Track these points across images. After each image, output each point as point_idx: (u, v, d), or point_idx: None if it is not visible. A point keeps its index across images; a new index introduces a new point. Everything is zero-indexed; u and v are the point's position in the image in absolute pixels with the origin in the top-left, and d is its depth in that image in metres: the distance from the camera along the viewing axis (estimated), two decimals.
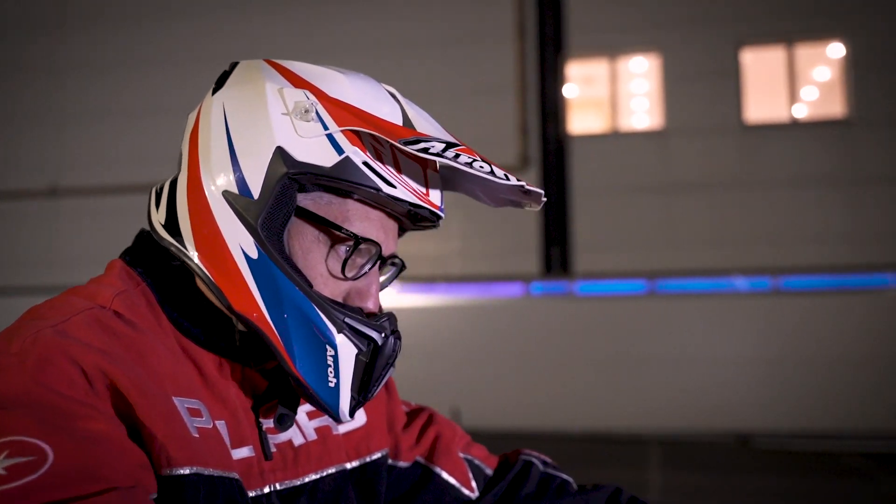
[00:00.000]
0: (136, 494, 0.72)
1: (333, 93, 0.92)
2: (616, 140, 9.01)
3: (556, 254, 8.87)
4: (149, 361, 0.85)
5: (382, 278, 1.02)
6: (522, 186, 0.91)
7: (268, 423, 0.97)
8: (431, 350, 8.81)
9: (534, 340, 8.72)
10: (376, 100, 0.94)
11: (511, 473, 1.18)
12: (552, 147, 8.91)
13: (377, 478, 1.10)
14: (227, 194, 0.89)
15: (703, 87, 8.73)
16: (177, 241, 0.91)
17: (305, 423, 1.02)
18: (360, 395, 0.93)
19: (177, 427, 0.83)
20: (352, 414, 0.93)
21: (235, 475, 0.87)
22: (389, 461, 1.16)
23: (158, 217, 0.94)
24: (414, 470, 1.18)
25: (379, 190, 0.89)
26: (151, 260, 0.96)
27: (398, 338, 0.96)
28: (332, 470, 1.03)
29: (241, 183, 0.89)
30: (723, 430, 8.06)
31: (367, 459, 1.10)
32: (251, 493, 0.92)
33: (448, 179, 1.03)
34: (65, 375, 0.76)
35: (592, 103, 9.43)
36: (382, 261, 0.98)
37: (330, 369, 0.90)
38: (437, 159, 0.87)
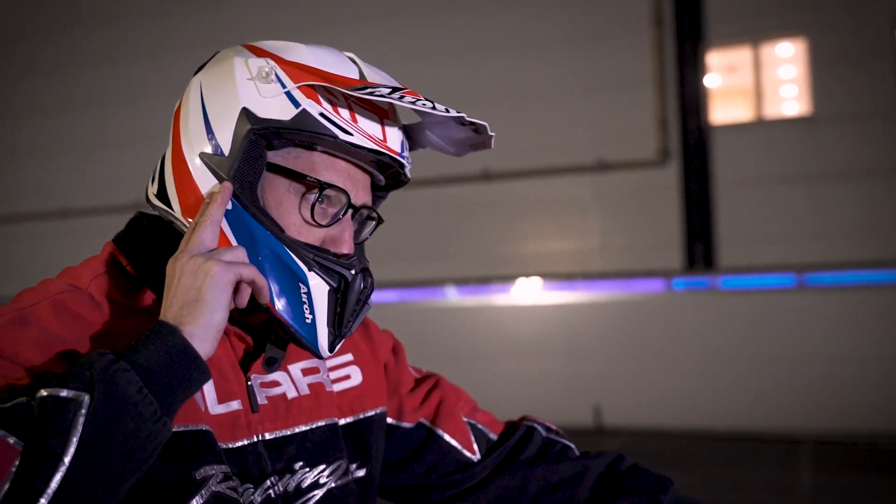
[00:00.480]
0: None
1: (293, 58, 1.04)
2: (761, 129, 8.70)
3: (700, 248, 8.68)
4: (108, 342, 0.96)
5: (364, 232, 1.12)
6: (462, 119, 1.00)
7: (261, 378, 1.07)
8: (572, 348, 8.82)
9: (676, 337, 8.57)
10: (334, 62, 1.05)
11: (514, 438, 1.25)
12: (693, 139, 8.71)
13: (369, 434, 1.18)
14: (203, 156, 1.01)
15: (855, 69, 8.28)
16: (167, 206, 1.04)
17: (299, 379, 1.12)
18: (337, 330, 1.03)
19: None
20: (331, 349, 1.03)
21: (204, 427, 0.98)
22: (392, 421, 1.24)
23: (152, 189, 1.08)
24: (418, 431, 1.25)
25: (336, 137, 1.00)
26: (138, 241, 1.08)
27: (369, 275, 1.06)
28: (322, 423, 1.11)
29: (215, 144, 1.01)
30: (883, 430, 7.66)
31: (361, 416, 1.18)
32: (238, 444, 1.02)
33: (413, 139, 1.12)
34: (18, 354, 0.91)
35: (736, 92, 9.13)
36: (354, 209, 1.07)
37: (305, 306, 1.00)
38: (382, 100, 0.98)
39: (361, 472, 1.16)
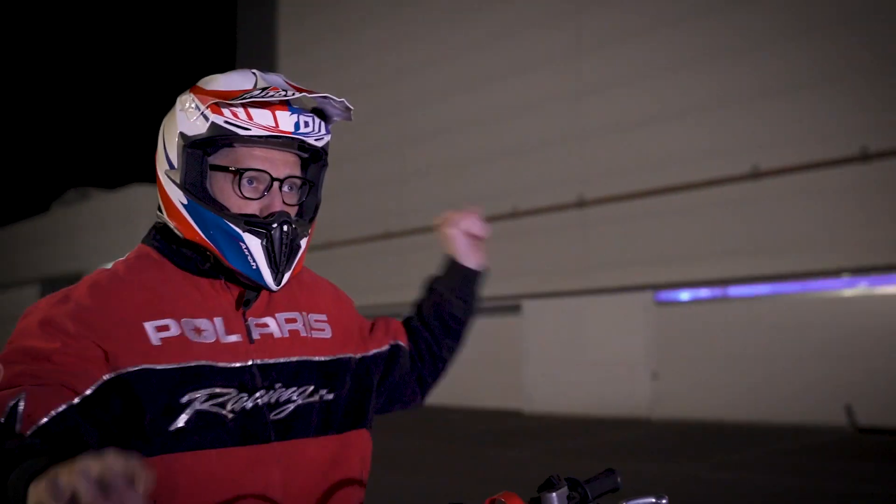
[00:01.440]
0: (21, 393, 1.21)
1: (208, 87, 1.44)
2: None
3: None
4: (126, 302, 1.39)
5: (294, 199, 1.49)
6: (319, 98, 1.42)
7: (256, 320, 1.48)
8: None
9: None
10: (238, 81, 1.44)
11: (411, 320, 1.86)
12: None
13: (341, 371, 1.57)
14: (166, 172, 1.44)
15: None
16: (162, 214, 1.49)
17: (283, 324, 1.52)
18: (277, 269, 1.42)
19: (134, 342, 1.34)
20: (278, 283, 1.43)
21: (194, 363, 1.37)
22: (373, 352, 1.69)
23: (159, 202, 1.51)
24: (391, 350, 1.74)
25: (237, 134, 1.38)
26: (157, 235, 1.51)
27: (288, 225, 1.42)
28: (295, 358, 1.50)
29: (170, 163, 1.44)
30: None
31: (332, 357, 1.57)
32: (237, 364, 1.42)
33: (328, 117, 1.50)
34: (50, 324, 1.32)
35: None
36: (280, 181, 1.44)
37: (248, 257, 1.40)
38: (256, 100, 1.37)
39: (330, 396, 1.53)
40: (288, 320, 1.53)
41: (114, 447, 1.09)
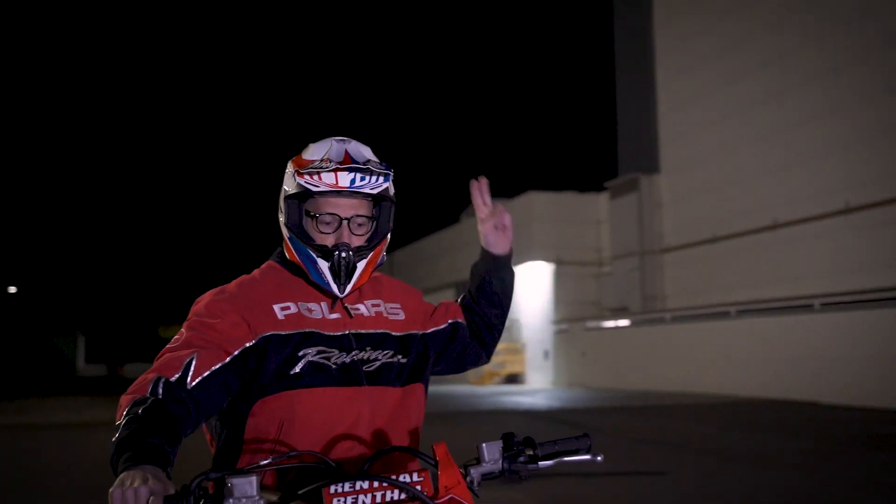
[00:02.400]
0: (194, 353, 1.85)
1: (303, 155, 2.05)
2: None
3: None
4: (261, 292, 2.02)
5: (362, 230, 2.03)
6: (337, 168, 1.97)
7: (352, 306, 2.06)
8: None
9: None
10: (318, 150, 2.04)
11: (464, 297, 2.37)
12: None
13: (410, 343, 2.11)
14: (279, 214, 2.08)
15: None
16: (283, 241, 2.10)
17: (370, 308, 2.09)
18: (340, 282, 2.00)
19: (267, 318, 1.95)
20: (342, 291, 2.01)
21: (308, 329, 1.97)
22: (431, 330, 2.21)
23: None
24: (450, 327, 2.26)
25: (310, 190, 1.97)
26: (279, 255, 2.14)
27: (345, 251, 1.98)
28: (379, 331, 2.06)
29: (280, 208, 2.08)
30: None
31: (404, 333, 2.11)
32: (339, 333, 2.00)
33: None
34: (214, 305, 1.96)
35: None
36: (347, 220, 2.00)
37: (323, 274, 2.00)
38: (311, 169, 1.97)
39: (404, 360, 2.06)
40: (374, 305, 2.10)
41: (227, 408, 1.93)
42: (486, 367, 32.78)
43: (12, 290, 50.34)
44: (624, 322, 27.91)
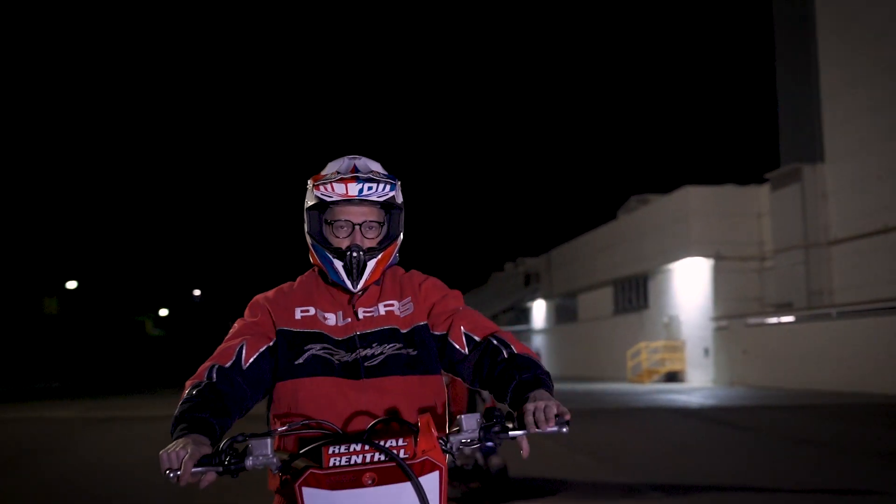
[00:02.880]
0: (243, 341, 2.23)
1: (322, 172, 2.33)
2: None
3: None
4: (290, 297, 2.34)
5: (373, 233, 2.30)
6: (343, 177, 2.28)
7: (364, 308, 2.32)
8: None
9: None
10: (331, 166, 2.34)
11: (482, 345, 2.28)
12: None
13: (421, 335, 2.31)
14: (304, 224, 2.36)
15: None
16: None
17: (383, 308, 2.33)
18: (353, 279, 2.26)
19: (289, 316, 2.28)
20: (355, 287, 2.27)
21: (317, 330, 2.26)
22: (431, 329, 2.34)
23: None
24: (442, 338, 2.33)
25: (325, 200, 2.26)
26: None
27: (356, 251, 2.24)
28: (387, 327, 2.28)
29: (304, 218, 2.34)
30: None
31: (413, 327, 2.32)
32: (345, 337, 2.25)
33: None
34: (254, 307, 2.36)
35: None
36: (359, 225, 2.28)
37: (338, 272, 2.27)
38: (325, 181, 2.26)
39: (415, 352, 2.27)
40: (387, 305, 2.34)
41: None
42: (644, 365, 32.44)
43: (72, 285, 53.75)
44: (788, 318, 26.84)
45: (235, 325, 2.35)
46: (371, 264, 2.27)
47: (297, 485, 1.80)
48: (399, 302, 2.35)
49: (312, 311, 2.32)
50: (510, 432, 1.98)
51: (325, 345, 2.25)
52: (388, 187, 2.28)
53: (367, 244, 2.28)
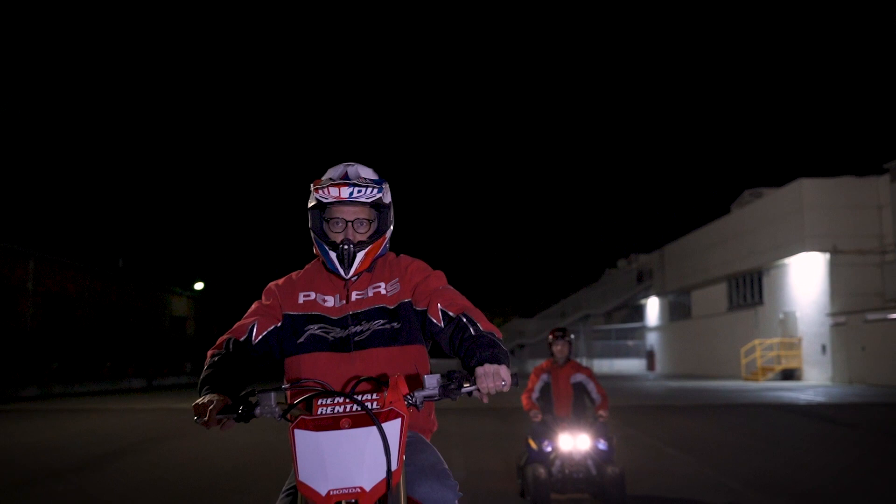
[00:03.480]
0: (255, 320, 2.76)
1: (322, 177, 2.76)
2: None
3: None
4: (295, 283, 2.84)
5: (363, 229, 2.71)
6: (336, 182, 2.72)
7: (357, 291, 2.75)
8: None
9: None
10: (329, 172, 2.77)
11: (454, 321, 2.63)
12: None
13: (405, 310, 2.72)
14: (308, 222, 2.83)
15: None
16: None
17: (372, 290, 2.73)
18: (345, 266, 2.69)
19: (292, 300, 2.78)
20: (347, 274, 2.70)
21: (317, 312, 2.74)
22: (414, 305, 2.73)
23: None
24: (421, 312, 2.72)
25: (321, 202, 2.69)
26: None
27: (348, 244, 2.67)
28: (376, 306, 2.70)
29: (308, 217, 2.80)
30: None
31: (397, 304, 2.72)
32: (340, 316, 2.71)
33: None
34: (268, 292, 2.87)
35: None
36: (351, 222, 2.70)
37: (333, 262, 2.70)
38: (320, 186, 2.71)
39: (398, 325, 2.69)
40: (375, 287, 2.78)
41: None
42: (759, 363, 31.77)
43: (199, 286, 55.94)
44: None
45: (253, 305, 2.85)
46: (360, 255, 2.71)
47: (291, 428, 2.22)
48: (387, 283, 2.78)
49: (313, 295, 2.79)
50: (462, 389, 2.37)
51: (323, 324, 2.73)
52: (375, 190, 2.70)
53: (358, 238, 2.72)
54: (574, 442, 6.57)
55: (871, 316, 27.38)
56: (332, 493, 2.14)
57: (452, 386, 2.37)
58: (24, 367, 28.78)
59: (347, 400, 2.30)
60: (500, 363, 2.38)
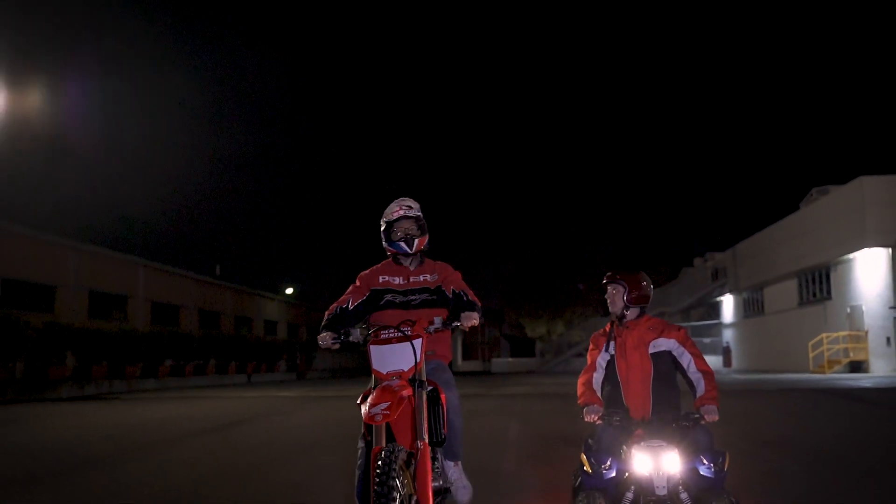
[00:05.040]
0: (351, 295, 4.76)
1: (387, 209, 4.81)
2: None
3: None
4: (376, 272, 4.84)
5: (413, 231, 4.71)
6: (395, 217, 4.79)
7: (415, 276, 4.78)
8: None
9: None
10: (392, 205, 4.79)
11: (456, 294, 4.60)
12: None
13: (438, 290, 4.70)
14: (381, 237, 4.89)
15: None
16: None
17: (422, 277, 4.74)
18: (410, 247, 4.70)
19: (375, 281, 4.78)
20: (411, 249, 4.70)
21: (388, 288, 4.75)
22: (443, 289, 4.67)
23: None
24: (442, 290, 4.68)
25: (390, 220, 4.72)
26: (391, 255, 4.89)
27: (408, 237, 4.69)
28: (421, 286, 4.72)
29: (381, 229, 4.86)
30: None
31: (436, 286, 4.70)
32: (404, 290, 4.72)
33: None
34: (360, 277, 4.88)
35: None
36: (406, 228, 4.71)
37: (403, 247, 4.73)
38: (386, 217, 4.78)
39: (434, 297, 4.66)
40: (424, 277, 4.70)
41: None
42: (826, 356, 32.67)
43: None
44: None
45: (350, 287, 4.77)
46: (415, 242, 4.68)
47: (368, 344, 4.15)
48: (430, 275, 4.75)
49: (387, 277, 4.75)
50: (453, 323, 4.26)
51: (393, 293, 4.70)
52: (415, 210, 4.71)
53: (410, 233, 4.68)
54: (655, 463, 3.89)
55: None
56: (389, 372, 4.08)
57: (447, 322, 4.30)
58: (143, 364, 32.04)
59: (395, 330, 4.19)
60: (474, 311, 4.35)
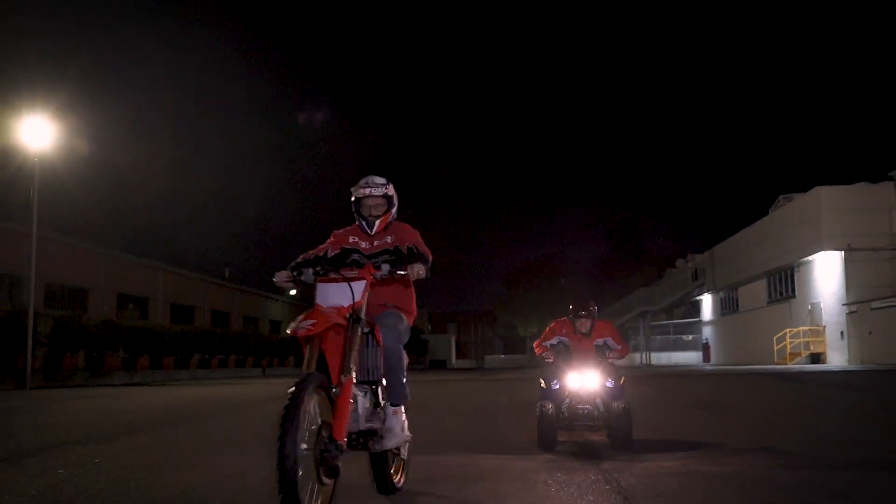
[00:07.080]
0: (329, 246, 5.09)
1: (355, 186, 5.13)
2: None
3: None
4: (347, 232, 5.12)
5: (379, 210, 4.98)
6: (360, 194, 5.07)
7: (378, 239, 5.03)
8: None
9: None
10: (360, 181, 5.05)
11: (412, 247, 4.94)
12: None
13: (398, 254, 4.91)
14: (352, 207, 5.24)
15: None
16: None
17: (384, 241, 4.97)
18: (370, 226, 4.96)
19: (346, 240, 5.03)
20: (371, 231, 4.98)
21: (355, 248, 5.01)
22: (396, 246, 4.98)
23: None
24: (400, 248, 4.99)
25: (358, 197, 4.99)
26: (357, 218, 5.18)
27: (371, 216, 4.97)
28: (382, 249, 4.95)
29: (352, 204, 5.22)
30: None
31: (395, 246, 4.95)
32: (370, 252, 4.97)
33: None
34: (335, 234, 5.22)
35: None
36: (372, 206, 5.00)
37: (363, 225, 4.99)
38: (356, 187, 5.07)
39: (394, 257, 4.83)
40: (386, 241, 4.91)
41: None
42: (788, 348, 36.08)
43: None
44: None
45: (327, 240, 4.99)
46: (377, 222, 4.91)
47: (316, 280, 4.37)
48: (390, 237, 4.94)
49: (356, 239, 4.98)
50: (399, 271, 4.47)
51: (360, 255, 4.92)
52: (381, 189, 4.89)
53: (374, 213, 4.91)
54: (582, 379, 6.79)
55: (875, 304, 31.57)
56: (329, 306, 4.18)
57: (394, 269, 4.48)
58: (176, 357, 35.45)
59: (341, 270, 4.46)
60: (422, 263, 4.58)
